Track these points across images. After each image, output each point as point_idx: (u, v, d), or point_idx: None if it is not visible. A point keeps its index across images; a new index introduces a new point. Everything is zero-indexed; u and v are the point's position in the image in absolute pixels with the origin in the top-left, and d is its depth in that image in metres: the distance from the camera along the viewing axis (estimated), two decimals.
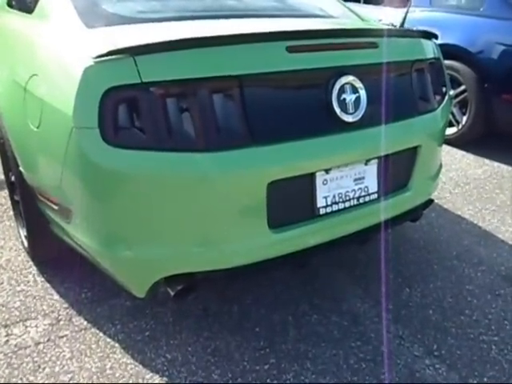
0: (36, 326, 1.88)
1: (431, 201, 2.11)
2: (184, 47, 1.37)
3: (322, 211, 1.63)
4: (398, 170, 1.83)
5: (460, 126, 3.72)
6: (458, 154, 3.72)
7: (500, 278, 2.21)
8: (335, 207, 1.66)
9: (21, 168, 1.83)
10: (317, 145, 1.55)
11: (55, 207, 1.67)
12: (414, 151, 1.85)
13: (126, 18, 1.69)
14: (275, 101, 1.50)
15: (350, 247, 2.35)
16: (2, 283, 2.11)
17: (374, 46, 1.69)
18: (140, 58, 1.34)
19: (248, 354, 1.76)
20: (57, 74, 1.52)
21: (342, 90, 1.58)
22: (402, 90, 1.81)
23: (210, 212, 1.45)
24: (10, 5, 2.33)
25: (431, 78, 1.91)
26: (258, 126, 1.46)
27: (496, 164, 3.52)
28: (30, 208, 1.91)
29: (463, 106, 3.70)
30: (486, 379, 1.67)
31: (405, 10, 3.14)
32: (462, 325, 1.92)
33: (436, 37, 1.96)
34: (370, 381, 1.65)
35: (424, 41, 1.92)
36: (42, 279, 2.14)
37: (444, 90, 2.00)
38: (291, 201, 1.59)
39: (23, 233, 2.24)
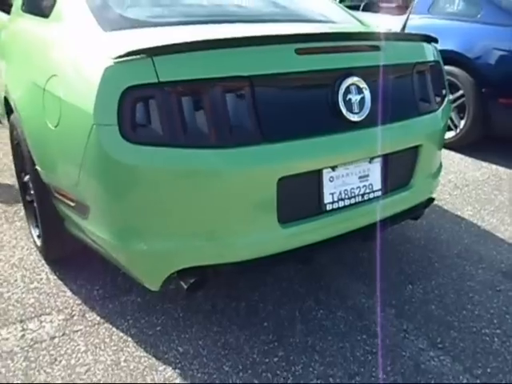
0: (51, 322, 1.93)
1: (432, 199, 2.18)
2: (199, 49, 1.45)
3: (328, 207, 1.70)
4: (400, 169, 1.90)
5: (458, 130, 3.80)
6: (456, 157, 3.80)
7: (500, 274, 2.27)
8: (341, 203, 1.73)
9: (37, 167, 1.89)
10: (324, 143, 1.62)
11: (72, 204, 1.73)
12: (415, 150, 1.92)
13: (140, 21, 1.76)
14: (284, 100, 1.58)
15: (353, 244, 2.42)
16: (16, 281, 2.16)
17: (377, 48, 1.77)
18: (158, 59, 1.41)
19: (257, 347, 1.82)
20: (77, 74, 1.60)
21: (347, 91, 1.65)
22: (403, 91, 1.89)
23: (223, 206, 1.51)
24: (24, 10, 2.39)
25: (432, 80, 1.99)
26: (269, 124, 1.53)
27: (494, 166, 3.60)
28: (44, 206, 1.97)
29: (461, 110, 3.78)
30: (489, 370, 1.72)
31: (402, 17, 3.22)
32: (464, 319, 1.98)
33: (436, 41, 2.03)
34: (376, 372, 1.71)
35: (425, 44, 2.00)
36: (55, 277, 2.20)
37: (444, 92, 2.08)
38: (300, 197, 1.65)
39: (35, 232, 2.30)
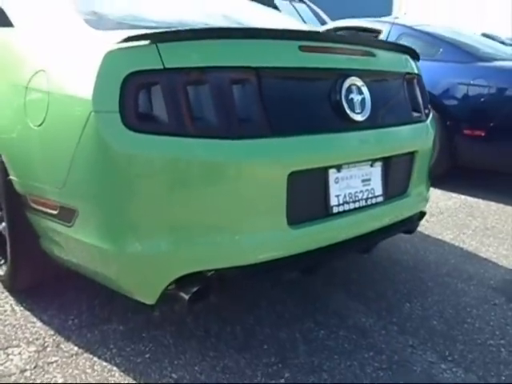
0: (20, 354, 1.68)
1: (424, 213, 2.17)
2: (205, 37, 1.40)
3: (335, 210, 1.64)
4: (399, 175, 1.90)
5: None
6: None
7: (492, 290, 2.25)
8: (346, 207, 1.67)
9: (11, 176, 1.71)
10: (329, 140, 1.61)
11: (54, 212, 1.56)
12: (412, 157, 1.93)
13: (127, 24, 1.70)
14: (290, 94, 1.55)
15: (347, 259, 2.36)
16: None
17: (373, 54, 1.80)
18: (162, 45, 1.34)
19: (260, 369, 1.65)
20: (71, 64, 1.50)
21: (349, 90, 1.65)
22: (398, 97, 1.93)
23: (231, 202, 1.42)
24: None
25: (419, 91, 2.03)
26: (276, 117, 1.49)
27: (463, 196, 3.70)
28: (16, 223, 1.77)
29: None
30: (503, 377, 1.66)
31: None
32: (467, 332, 1.92)
33: (418, 58, 2.11)
34: None
35: (410, 58, 2.06)
36: (21, 308, 1.95)
37: (429, 105, 2.13)
38: (308, 197, 1.59)
39: None
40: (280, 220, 1.49)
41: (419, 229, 2.95)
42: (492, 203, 3.58)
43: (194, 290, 1.44)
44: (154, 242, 1.40)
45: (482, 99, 3.49)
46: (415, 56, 2.07)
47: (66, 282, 2.12)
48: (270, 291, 2.15)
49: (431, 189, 3.76)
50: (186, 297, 1.45)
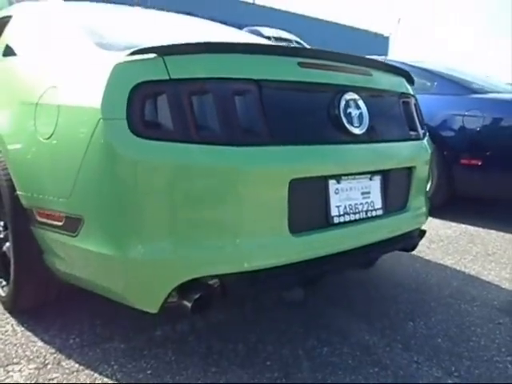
0: (20, 371, 1.66)
1: (424, 232, 2.19)
2: (209, 51, 1.48)
3: (335, 220, 1.66)
4: (397, 189, 1.94)
5: None
6: None
7: (496, 310, 2.24)
8: (347, 217, 1.70)
9: (18, 192, 1.75)
10: (328, 151, 1.67)
11: (59, 223, 1.59)
12: (409, 172, 1.98)
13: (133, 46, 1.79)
14: (290, 106, 1.61)
15: (351, 274, 2.35)
16: None
17: (370, 73, 1.88)
18: (168, 58, 1.42)
19: None
20: (82, 78, 1.57)
21: (347, 105, 1.72)
22: (394, 115, 1.99)
23: (235, 207, 1.44)
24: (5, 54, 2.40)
25: (415, 112, 2.10)
26: (276, 127, 1.54)
27: (463, 225, 3.72)
28: (21, 239, 1.79)
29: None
30: None
31: None
32: (473, 349, 1.89)
33: (413, 82, 2.19)
34: None
35: (405, 80, 2.14)
36: (22, 328, 1.93)
37: (425, 126, 2.20)
38: (309, 206, 1.62)
39: None
40: (282, 227, 1.52)
41: (420, 254, 2.98)
42: (492, 231, 3.59)
43: (196, 297, 1.44)
44: (158, 246, 1.42)
45: (478, 129, 3.57)
46: (410, 79, 2.16)
47: (68, 303, 2.12)
48: (272, 310, 2.15)
49: (430, 218, 3.84)
50: (189, 304, 1.45)
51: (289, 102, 1.61)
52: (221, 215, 1.44)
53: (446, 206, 3.96)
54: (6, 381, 1.60)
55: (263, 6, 24.99)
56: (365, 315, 2.13)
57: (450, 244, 3.25)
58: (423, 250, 3.08)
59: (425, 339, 1.96)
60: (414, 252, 2.93)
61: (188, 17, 2.93)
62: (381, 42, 29.39)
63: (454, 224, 3.76)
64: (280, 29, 10.66)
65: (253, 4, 25.11)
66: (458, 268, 2.78)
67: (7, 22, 2.51)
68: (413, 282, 2.54)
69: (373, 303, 2.27)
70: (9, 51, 2.28)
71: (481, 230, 3.63)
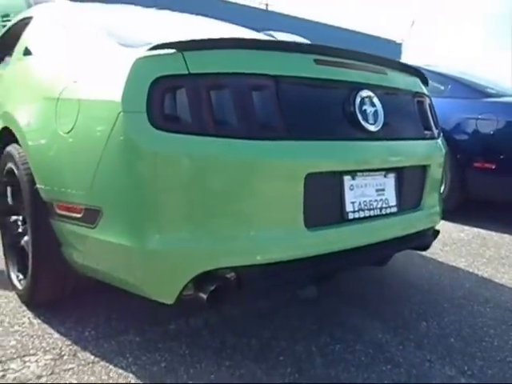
0: (36, 362, 1.69)
1: (438, 232, 2.19)
2: (227, 46, 1.52)
3: (350, 216, 1.68)
4: (412, 187, 1.96)
5: None
6: None
7: (509, 312, 2.23)
8: (361, 214, 1.72)
9: (38, 185, 1.80)
10: (343, 146, 1.68)
11: (78, 215, 1.62)
12: (424, 170, 1.99)
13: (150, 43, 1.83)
14: (305, 102, 1.63)
15: (365, 271, 2.35)
16: None
17: (384, 72, 1.90)
18: (188, 53, 1.45)
19: (277, 379, 1.64)
20: (103, 73, 1.62)
21: (362, 102, 1.73)
22: (409, 113, 2.01)
23: (252, 199, 1.47)
24: (24, 54, 2.46)
25: (429, 111, 2.12)
26: (293, 122, 1.57)
27: (475, 229, 3.70)
28: (40, 233, 1.83)
29: None
30: None
31: None
32: (486, 350, 1.89)
33: (427, 83, 2.20)
34: None
35: (419, 80, 2.16)
36: (39, 321, 1.97)
37: (439, 126, 2.21)
38: (324, 201, 1.64)
39: (16, 277, 2.11)
40: (297, 220, 1.54)
41: (433, 256, 2.97)
42: (505, 235, 3.57)
43: (212, 288, 1.46)
44: (175, 237, 1.44)
45: (491, 133, 3.56)
46: (424, 80, 2.17)
47: (84, 297, 2.15)
48: (286, 307, 2.16)
49: (443, 221, 3.83)
50: (205, 296, 1.47)
51: (305, 98, 1.63)
52: (236, 207, 1.46)
53: (458, 209, 3.95)
54: (23, 370, 1.63)
55: (276, 12, 25.12)
56: (378, 314, 2.14)
57: (463, 247, 3.24)
58: (436, 252, 3.07)
59: (438, 339, 1.95)
60: (426, 254, 2.96)
61: (201, 17, 2.97)
62: (393, 48, 29.35)
63: (466, 227, 3.74)
64: (293, 34, 10.71)
65: (266, 10, 25.25)
66: (470, 270, 2.77)
67: (28, 22, 2.57)
68: (426, 283, 2.53)
69: (386, 302, 2.27)
70: (30, 50, 2.34)
71: (494, 233, 3.61)
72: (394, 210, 1.83)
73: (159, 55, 1.45)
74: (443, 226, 3.74)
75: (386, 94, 1.86)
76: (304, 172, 1.52)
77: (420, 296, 2.37)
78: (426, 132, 2.07)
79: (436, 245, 3.21)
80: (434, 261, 2.90)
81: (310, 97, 1.65)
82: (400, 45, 30.35)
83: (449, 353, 1.85)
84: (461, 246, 3.25)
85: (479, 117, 3.64)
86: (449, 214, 3.93)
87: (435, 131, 2.14)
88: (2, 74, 2.62)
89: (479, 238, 3.50)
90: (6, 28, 3.16)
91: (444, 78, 4.11)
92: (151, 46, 1.45)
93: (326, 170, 1.60)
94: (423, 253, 2.94)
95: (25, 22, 2.64)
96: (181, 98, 1.42)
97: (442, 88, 3.97)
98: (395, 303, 2.27)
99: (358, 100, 1.71)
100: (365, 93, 1.74)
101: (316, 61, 1.65)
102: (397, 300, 2.31)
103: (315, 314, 2.11)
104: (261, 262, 1.49)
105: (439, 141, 2.15)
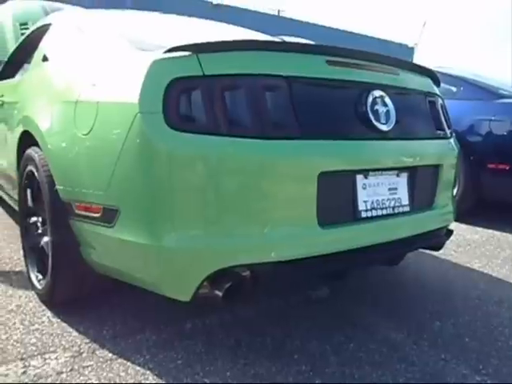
0: (56, 359, 1.73)
1: (451, 232, 2.20)
2: (241, 48, 1.56)
3: (363, 214, 1.70)
4: (424, 187, 1.97)
5: None
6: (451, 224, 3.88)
7: None
8: (374, 213, 1.73)
9: (57, 186, 1.85)
10: (356, 145, 1.71)
11: (96, 215, 1.67)
12: (436, 170, 2.00)
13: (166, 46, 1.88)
14: (318, 102, 1.66)
15: (378, 271, 2.35)
16: (15, 324, 1.96)
17: (396, 73, 1.92)
18: (202, 55, 1.49)
19: (291, 377, 1.66)
20: (120, 75, 1.67)
21: (374, 102, 1.76)
22: (422, 113, 2.03)
23: (266, 198, 1.50)
24: (42, 60, 2.52)
25: (441, 111, 2.13)
26: (306, 121, 1.59)
27: (490, 230, 3.69)
28: (60, 234, 1.88)
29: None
30: None
31: None
32: (501, 349, 1.88)
33: (439, 84, 2.22)
34: None
35: (431, 80, 2.17)
36: (58, 320, 2.01)
37: (451, 126, 2.22)
38: (337, 200, 1.66)
39: (36, 278, 2.17)
40: (310, 219, 1.56)
41: (447, 258, 2.97)
42: None
43: (227, 286, 1.49)
44: (191, 235, 1.47)
45: (505, 134, 3.55)
46: (436, 80, 2.19)
47: (101, 296, 2.19)
48: (299, 307, 2.18)
49: (457, 223, 3.81)
50: (220, 294, 1.50)
51: (317, 99, 1.66)
52: (251, 206, 1.49)
53: (472, 211, 3.93)
54: (44, 367, 1.67)
55: (288, 18, 25.19)
56: (391, 314, 2.14)
57: (477, 248, 3.23)
58: (450, 253, 3.06)
59: (452, 338, 1.96)
60: (440, 255, 2.96)
61: (211, 21, 3.01)
62: (405, 52, 29.22)
63: (480, 229, 3.73)
64: (305, 39, 10.76)
65: (278, 16, 25.34)
66: (485, 271, 2.76)
67: (47, 29, 2.64)
68: (439, 284, 2.53)
69: (399, 302, 2.28)
70: (49, 55, 2.40)
71: (508, 235, 3.59)
72: (407, 209, 1.85)
73: (175, 57, 1.49)
74: (457, 227, 3.73)
75: (397, 94, 1.88)
76: (317, 171, 1.54)
77: (433, 296, 2.37)
78: (439, 132, 2.08)
79: (450, 246, 3.20)
80: (448, 262, 2.90)
81: (323, 97, 1.68)
82: (412, 49, 30.24)
83: (463, 352, 1.85)
84: (475, 248, 3.24)
85: (492, 118, 3.63)
86: (462, 216, 3.92)
87: (447, 131, 2.15)
88: (22, 80, 2.70)
89: (494, 239, 3.48)
90: (24, 35, 3.24)
91: (456, 79, 4.10)
92: (167, 48, 1.50)
93: (338, 168, 1.63)
94: (437, 254, 2.95)
95: (43, 29, 2.71)
96: (196, 98, 1.46)
97: (455, 90, 3.98)
98: (408, 303, 2.28)
99: (369, 100, 1.74)
100: (377, 93, 1.76)
101: (328, 62, 1.68)
102: (410, 300, 2.32)
103: (328, 314, 2.12)
104: (275, 260, 1.52)
105: (451, 140, 2.16)
